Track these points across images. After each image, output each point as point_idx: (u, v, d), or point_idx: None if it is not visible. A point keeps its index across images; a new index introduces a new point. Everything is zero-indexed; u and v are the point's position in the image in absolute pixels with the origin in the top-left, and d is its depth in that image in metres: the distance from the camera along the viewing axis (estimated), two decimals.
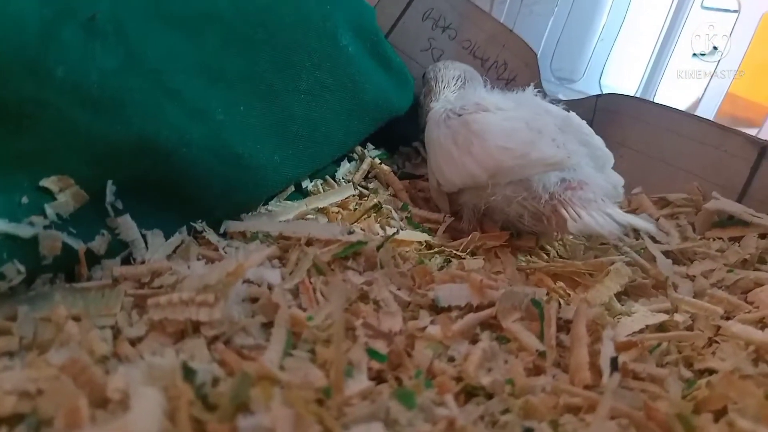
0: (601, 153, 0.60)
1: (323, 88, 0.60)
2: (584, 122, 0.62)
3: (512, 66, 0.78)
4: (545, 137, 0.56)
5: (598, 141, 0.61)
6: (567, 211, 0.53)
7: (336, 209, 0.61)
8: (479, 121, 0.58)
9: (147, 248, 0.50)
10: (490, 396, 0.41)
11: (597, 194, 0.55)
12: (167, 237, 0.52)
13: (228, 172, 0.53)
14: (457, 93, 0.68)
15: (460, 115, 0.61)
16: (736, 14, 0.69)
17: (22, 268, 0.43)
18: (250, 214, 0.58)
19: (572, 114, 0.62)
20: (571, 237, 0.61)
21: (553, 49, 0.82)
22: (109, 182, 0.48)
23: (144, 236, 0.50)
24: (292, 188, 0.63)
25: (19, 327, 0.41)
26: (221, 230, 0.55)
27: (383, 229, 0.57)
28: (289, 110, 0.58)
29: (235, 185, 0.54)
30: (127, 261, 0.50)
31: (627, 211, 0.66)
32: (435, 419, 0.36)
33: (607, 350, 0.44)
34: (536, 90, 0.64)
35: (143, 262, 0.49)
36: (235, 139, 0.54)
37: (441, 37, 0.80)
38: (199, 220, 0.53)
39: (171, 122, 0.49)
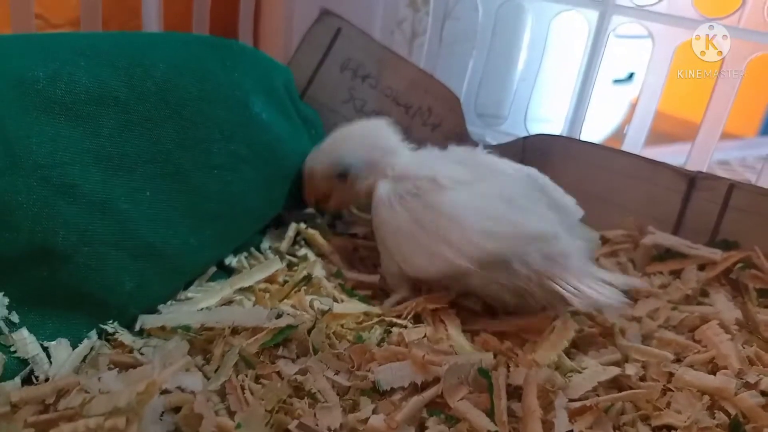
0: (571, 209, 0.57)
1: (238, 161, 0.56)
2: (546, 178, 0.58)
3: (437, 111, 0.76)
4: (528, 212, 0.53)
5: (562, 195, 0.58)
6: (563, 288, 0.50)
7: (264, 286, 0.57)
8: (447, 203, 0.53)
9: (50, 363, 0.45)
10: None
11: (582, 260, 0.52)
12: (75, 345, 0.47)
13: (140, 265, 0.49)
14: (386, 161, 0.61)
15: (417, 195, 0.55)
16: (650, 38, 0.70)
17: None
18: (169, 303, 0.53)
19: (532, 170, 0.59)
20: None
21: (476, 92, 0.81)
22: (0, 294, 0.43)
23: (46, 349, 0.45)
24: (214, 268, 0.58)
25: None
26: (137, 327, 0.50)
27: (313, 305, 0.53)
28: (203, 188, 0.54)
29: (149, 278, 0.50)
30: (28, 380, 0.44)
31: None
32: None
33: (561, 424, 0.41)
34: (486, 149, 0.61)
35: (47, 380, 0.44)
36: (143, 228, 0.49)
37: (362, 87, 0.78)
38: (110, 321, 0.48)
39: (67, 220, 0.45)
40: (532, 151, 0.71)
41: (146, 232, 0.50)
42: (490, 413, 0.43)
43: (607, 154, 0.68)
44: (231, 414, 0.42)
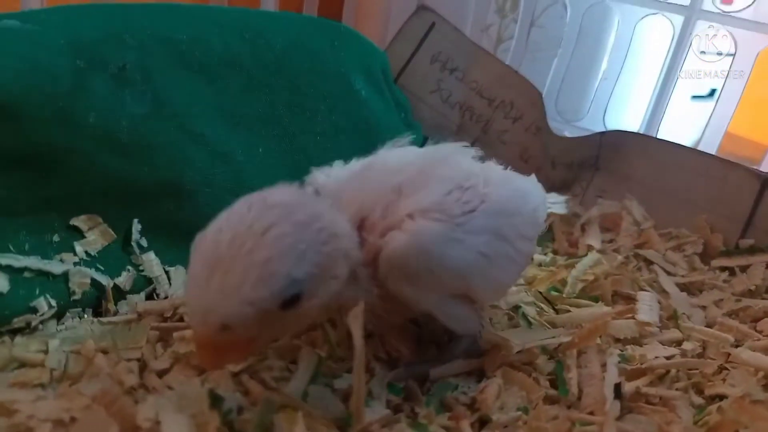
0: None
1: (338, 130, 0.63)
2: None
3: (519, 105, 0.80)
4: None
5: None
6: None
7: None
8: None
9: (170, 284, 0.52)
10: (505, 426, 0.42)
11: None
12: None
13: None
14: None
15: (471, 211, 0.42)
16: (731, 57, 0.72)
17: (53, 303, 0.45)
18: None
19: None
20: None
21: (557, 89, 0.85)
22: (135, 221, 0.51)
23: (167, 272, 0.52)
24: None
25: (50, 360, 0.43)
26: None
27: None
28: (306, 151, 0.60)
29: None
30: (150, 297, 0.52)
31: (636, 245, 0.68)
32: None
33: (611, 377, 0.45)
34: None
35: (166, 297, 0.51)
36: (254, 180, 0.56)
37: (449, 79, 0.83)
38: None
39: (195, 164, 0.52)
40: (608, 145, 0.74)
41: (256, 184, 0.56)
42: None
43: (682, 152, 0.70)
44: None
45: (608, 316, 0.53)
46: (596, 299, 0.58)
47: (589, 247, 0.66)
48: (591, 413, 0.42)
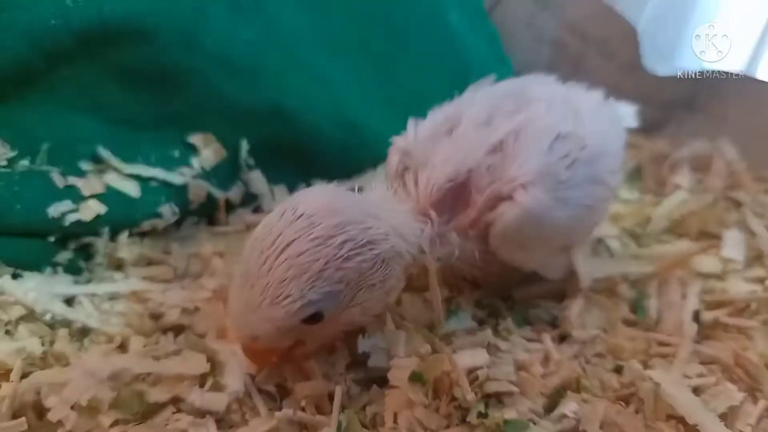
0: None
1: (431, 62, 0.65)
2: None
3: (613, 43, 0.79)
4: None
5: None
6: None
7: None
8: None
9: (274, 199, 0.57)
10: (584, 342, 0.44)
11: None
12: (290, 192, 0.58)
13: (345, 137, 0.59)
14: None
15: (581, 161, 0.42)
16: None
17: (176, 210, 0.51)
18: None
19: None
20: None
21: (653, 27, 0.83)
22: (244, 141, 0.55)
23: (271, 190, 0.57)
24: None
25: (174, 259, 0.49)
26: None
27: None
28: (398, 81, 0.63)
29: (350, 149, 0.60)
30: (256, 211, 0.56)
31: (726, 187, 0.68)
32: (531, 351, 0.41)
33: (690, 304, 0.46)
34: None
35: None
36: (352, 107, 0.59)
37: (542, 15, 0.83)
38: (317, 178, 0.59)
39: (298, 90, 0.56)
40: (705, 85, 0.72)
41: (353, 111, 0.59)
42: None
43: None
44: None
45: (691, 251, 0.54)
46: (681, 237, 0.58)
47: (677, 186, 0.66)
48: (670, 337, 0.44)
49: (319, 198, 0.35)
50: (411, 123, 0.44)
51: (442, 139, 0.42)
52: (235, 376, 0.36)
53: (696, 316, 0.45)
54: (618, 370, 0.41)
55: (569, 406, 0.36)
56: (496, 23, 0.82)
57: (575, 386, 0.39)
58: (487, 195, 0.39)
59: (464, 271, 0.43)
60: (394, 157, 0.43)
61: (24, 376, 0.36)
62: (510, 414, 0.36)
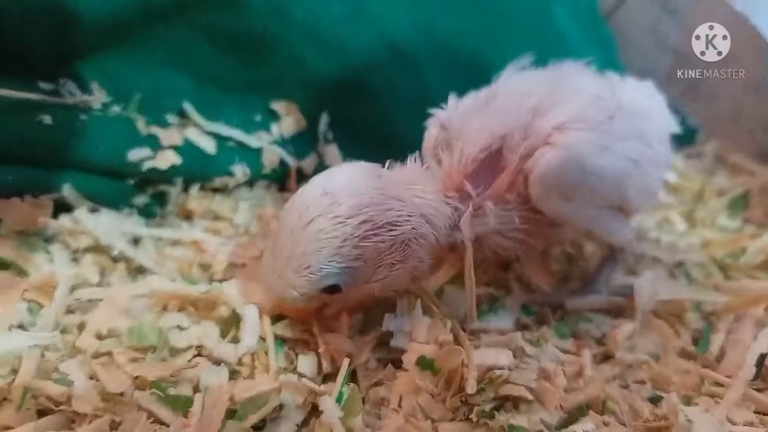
0: None
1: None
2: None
3: (741, 58, 0.72)
4: None
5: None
6: None
7: None
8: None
9: None
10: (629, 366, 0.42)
11: None
12: None
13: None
14: None
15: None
16: None
17: (248, 171, 0.53)
18: None
19: None
20: None
21: None
22: (324, 114, 0.56)
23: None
24: None
25: (238, 216, 0.51)
26: None
27: None
28: (490, 77, 0.61)
29: None
30: None
31: None
32: (563, 363, 0.38)
33: (759, 345, 0.42)
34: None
35: None
36: (436, 96, 0.58)
37: (667, 21, 0.77)
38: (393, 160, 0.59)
39: (383, 69, 0.56)
40: None
41: (437, 100, 0.59)
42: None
43: None
44: None
45: None
46: None
47: None
48: (728, 378, 0.40)
49: (345, 177, 0.37)
50: (452, 98, 0.44)
51: (480, 110, 0.42)
52: (251, 332, 0.37)
53: (761, 360, 0.40)
54: (655, 400, 0.38)
55: (585, 426, 0.34)
56: (616, 27, 0.78)
57: (600, 407, 0.37)
58: (522, 150, 0.39)
59: (506, 248, 0.42)
60: (432, 130, 0.44)
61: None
62: (520, 421, 0.34)
